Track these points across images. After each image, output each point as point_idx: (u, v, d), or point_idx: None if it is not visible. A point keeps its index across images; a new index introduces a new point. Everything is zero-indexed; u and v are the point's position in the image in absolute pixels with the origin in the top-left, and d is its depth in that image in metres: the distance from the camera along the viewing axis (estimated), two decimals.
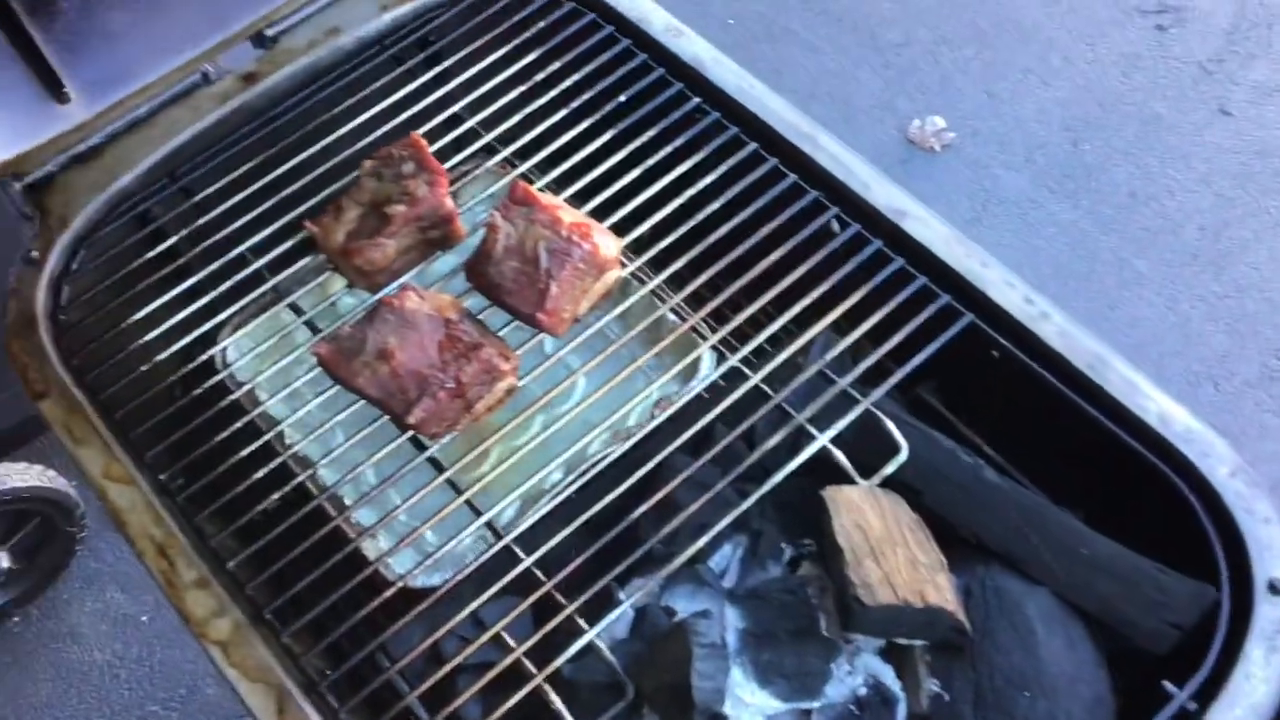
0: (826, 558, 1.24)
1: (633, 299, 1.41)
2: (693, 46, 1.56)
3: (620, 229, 1.42)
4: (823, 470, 1.29)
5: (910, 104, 3.22)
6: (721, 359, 1.38)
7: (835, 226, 1.43)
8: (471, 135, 1.55)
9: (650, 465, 1.28)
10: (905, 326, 1.32)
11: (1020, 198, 3.03)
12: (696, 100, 1.52)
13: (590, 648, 1.21)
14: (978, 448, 1.38)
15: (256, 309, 1.52)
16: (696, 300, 1.42)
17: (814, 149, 1.46)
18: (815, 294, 1.36)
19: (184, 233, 1.47)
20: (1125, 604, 1.21)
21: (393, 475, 1.31)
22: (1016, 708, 1.16)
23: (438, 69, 1.59)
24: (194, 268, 1.45)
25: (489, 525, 1.29)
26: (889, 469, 1.28)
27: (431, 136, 1.47)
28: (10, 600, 2.44)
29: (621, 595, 1.28)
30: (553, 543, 1.25)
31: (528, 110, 1.55)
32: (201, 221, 1.48)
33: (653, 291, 1.43)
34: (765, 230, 1.41)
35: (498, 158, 1.53)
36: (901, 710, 1.23)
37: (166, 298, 1.42)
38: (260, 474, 1.32)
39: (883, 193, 1.42)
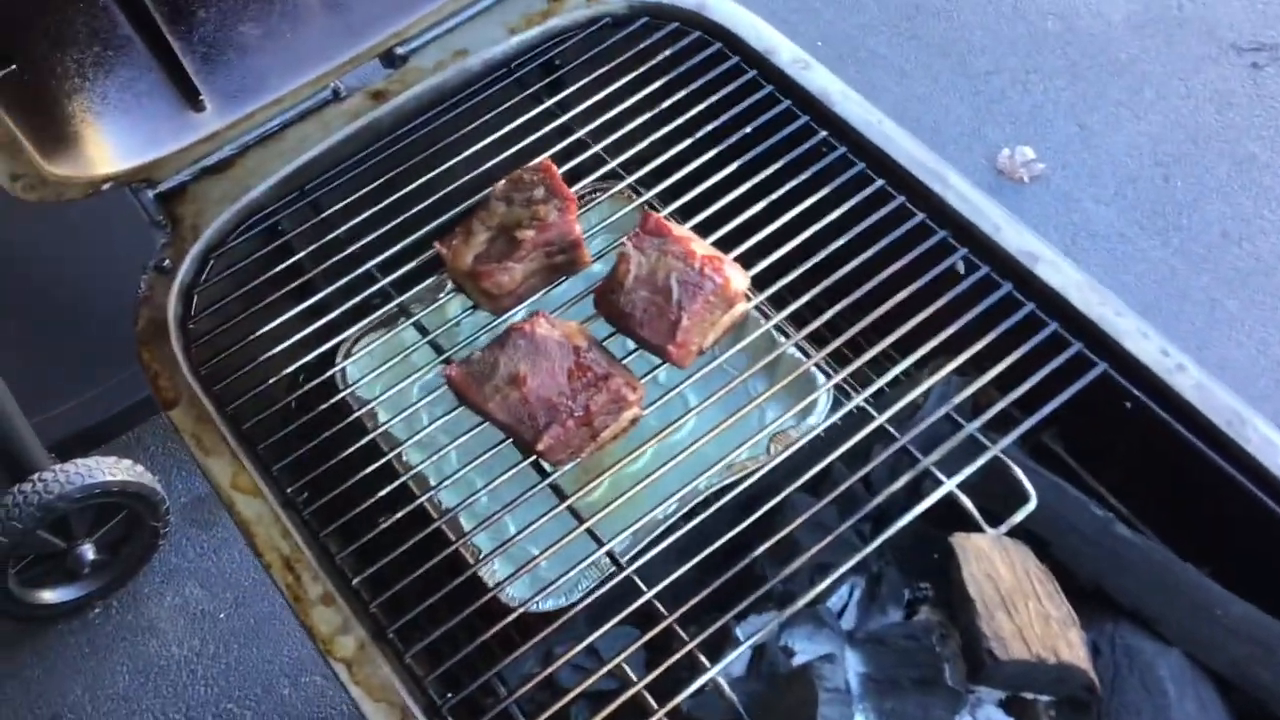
0: (953, 606, 1.23)
1: (754, 335, 1.41)
2: (820, 79, 1.55)
3: (743, 262, 1.42)
4: (943, 514, 1.28)
5: (999, 133, 3.19)
6: (841, 398, 1.38)
7: (961, 268, 1.42)
8: (595, 160, 1.55)
9: (772, 503, 1.27)
10: (1034, 373, 1.31)
11: (1110, 232, 2.99)
12: (823, 134, 1.52)
13: (710, 684, 1.21)
14: (1102, 497, 1.36)
15: (379, 326, 1.53)
16: (816, 338, 1.42)
17: (943, 187, 1.45)
18: (941, 337, 1.35)
19: (312, 248, 1.48)
20: (1259, 667, 1.18)
21: (514, 501, 1.31)
22: None
23: (562, 94, 1.59)
24: (320, 283, 1.46)
25: (610, 555, 1.29)
26: (1017, 518, 1.26)
27: (555, 160, 1.48)
28: (92, 591, 2.48)
29: (738, 632, 1.27)
30: (674, 576, 1.25)
31: (652, 138, 1.55)
32: (329, 237, 1.49)
33: (774, 327, 1.42)
34: (890, 270, 1.40)
35: (621, 184, 1.53)
36: None
37: (293, 312, 1.44)
38: (382, 493, 1.33)
39: (1014, 235, 1.40)
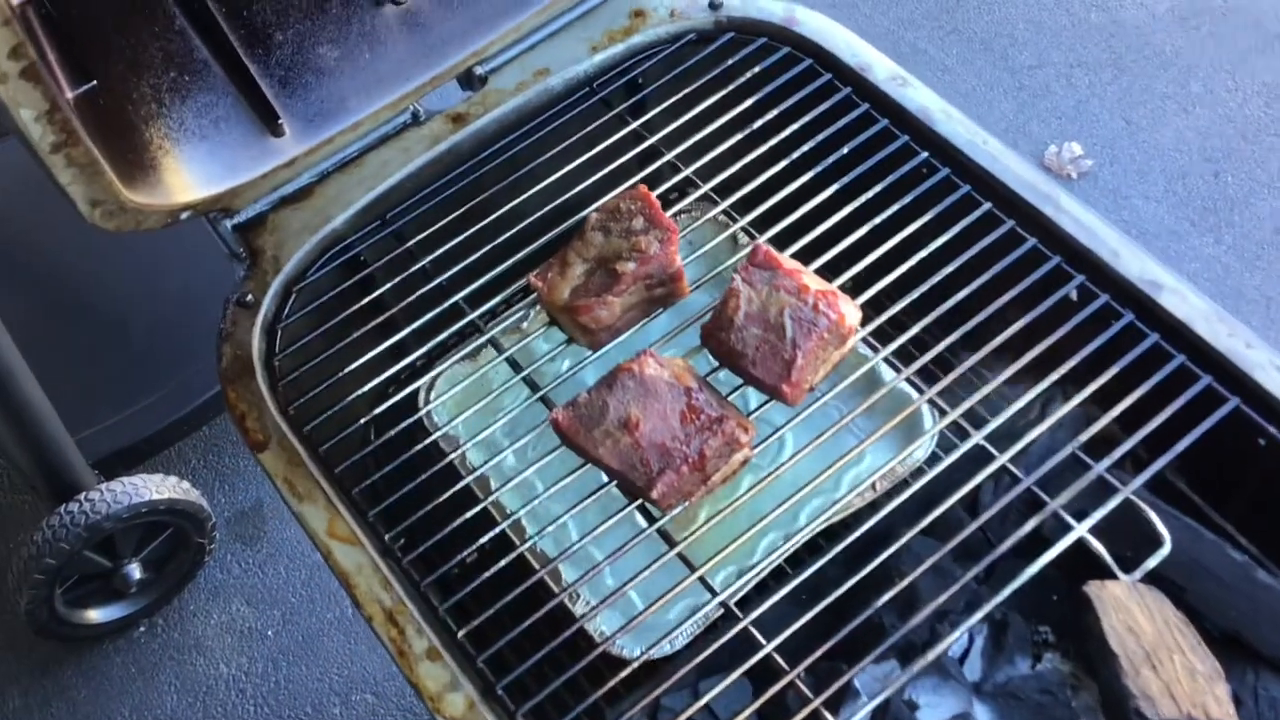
0: (1091, 658, 1.18)
1: (861, 369, 1.36)
2: (920, 97, 1.50)
3: (846, 292, 1.36)
4: (1068, 557, 1.24)
5: (1044, 128, 3.14)
6: (953, 436, 1.33)
7: (1074, 296, 1.36)
8: (686, 184, 1.50)
9: (893, 549, 1.23)
10: (1162, 409, 1.26)
11: (1161, 230, 2.94)
12: (924, 155, 1.46)
13: None
14: (1230, 536, 1.31)
15: (466, 358, 1.47)
16: (924, 372, 1.36)
17: (1055, 211, 1.39)
18: (1061, 371, 1.30)
19: (396, 280, 1.43)
20: None
21: (621, 548, 1.26)
22: None
23: (649, 114, 1.54)
24: (405, 317, 1.41)
25: (725, 605, 1.24)
26: (1151, 563, 1.21)
27: (645, 185, 1.42)
28: (138, 610, 2.44)
29: (858, 684, 1.23)
30: (795, 628, 1.20)
31: (744, 160, 1.49)
32: (414, 268, 1.44)
33: (883, 361, 1.37)
34: (1003, 300, 1.35)
35: (715, 210, 1.48)
36: None
37: (380, 349, 1.39)
38: (481, 541, 1.28)
39: (1134, 262, 1.35)
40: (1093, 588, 1.19)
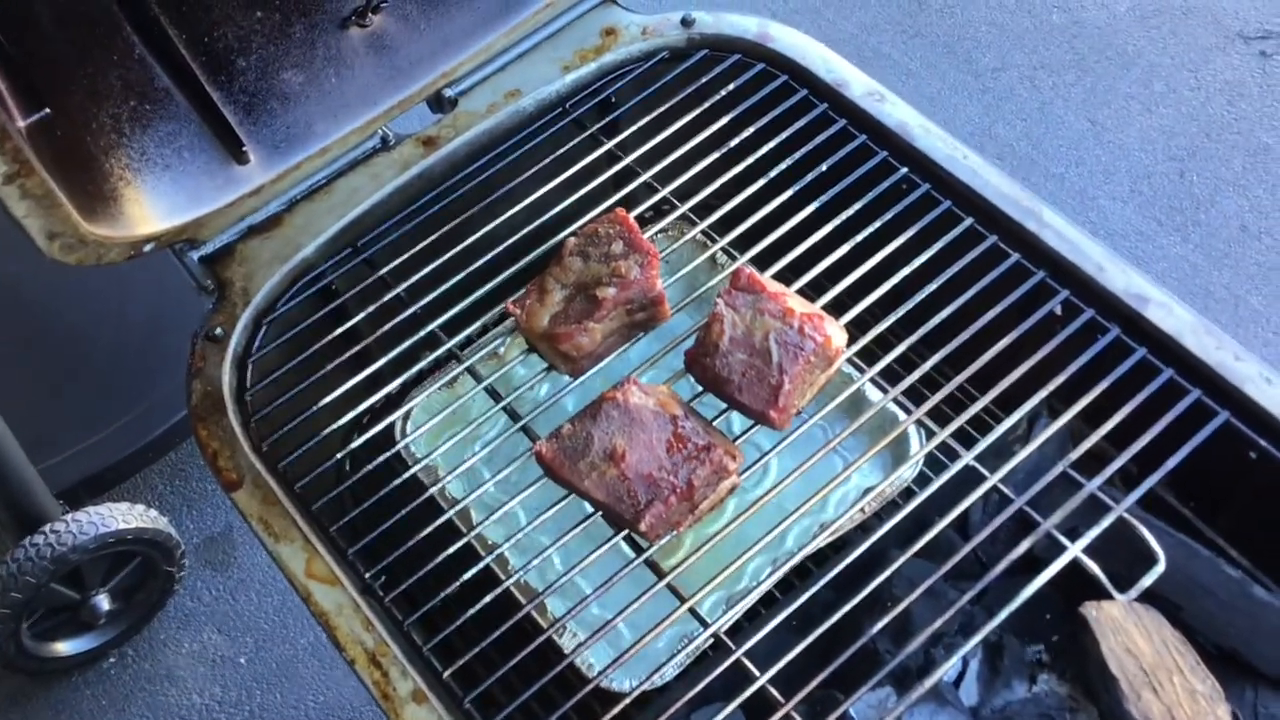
0: (1090, 681, 1.16)
1: (847, 391, 1.34)
2: (897, 112, 1.48)
3: (829, 311, 1.34)
4: (1061, 577, 1.22)
5: (1010, 130, 3.14)
6: (943, 457, 1.31)
7: (1058, 311, 1.35)
8: (663, 204, 1.47)
9: (887, 573, 1.21)
10: (1152, 425, 1.24)
11: (1128, 230, 2.95)
12: (904, 170, 1.44)
13: None
14: (1221, 550, 1.30)
15: (444, 387, 1.44)
16: (912, 391, 1.35)
17: (1039, 226, 1.38)
18: (1049, 388, 1.29)
19: (370, 309, 1.39)
20: None
21: (609, 581, 1.23)
22: None
23: (623, 134, 1.51)
24: (380, 347, 1.38)
25: (716, 636, 1.22)
26: (1146, 581, 1.19)
27: (621, 207, 1.40)
28: (107, 641, 2.39)
29: (853, 713, 1.21)
30: (785, 661, 1.17)
31: (722, 180, 1.47)
32: (387, 297, 1.40)
33: (869, 381, 1.35)
34: (988, 317, 1.33)
35: (694, 230, 1.45)
36: None
37: (355, 380, 1.35)
38: (466, 576, 1.25)
39: (1119, 275, 1.34)
40: (1090, 609, 1.17)
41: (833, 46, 1.56)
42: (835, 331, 1.27)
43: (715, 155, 1.48)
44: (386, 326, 1.38)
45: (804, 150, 1.47)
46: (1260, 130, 3.09)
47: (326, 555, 1.24)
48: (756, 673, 1.18)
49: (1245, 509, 1.32)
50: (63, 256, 1.31)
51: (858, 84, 1.51)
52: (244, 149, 1.40)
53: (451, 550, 1.26)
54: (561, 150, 1.50)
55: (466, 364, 1.38)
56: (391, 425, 1.37)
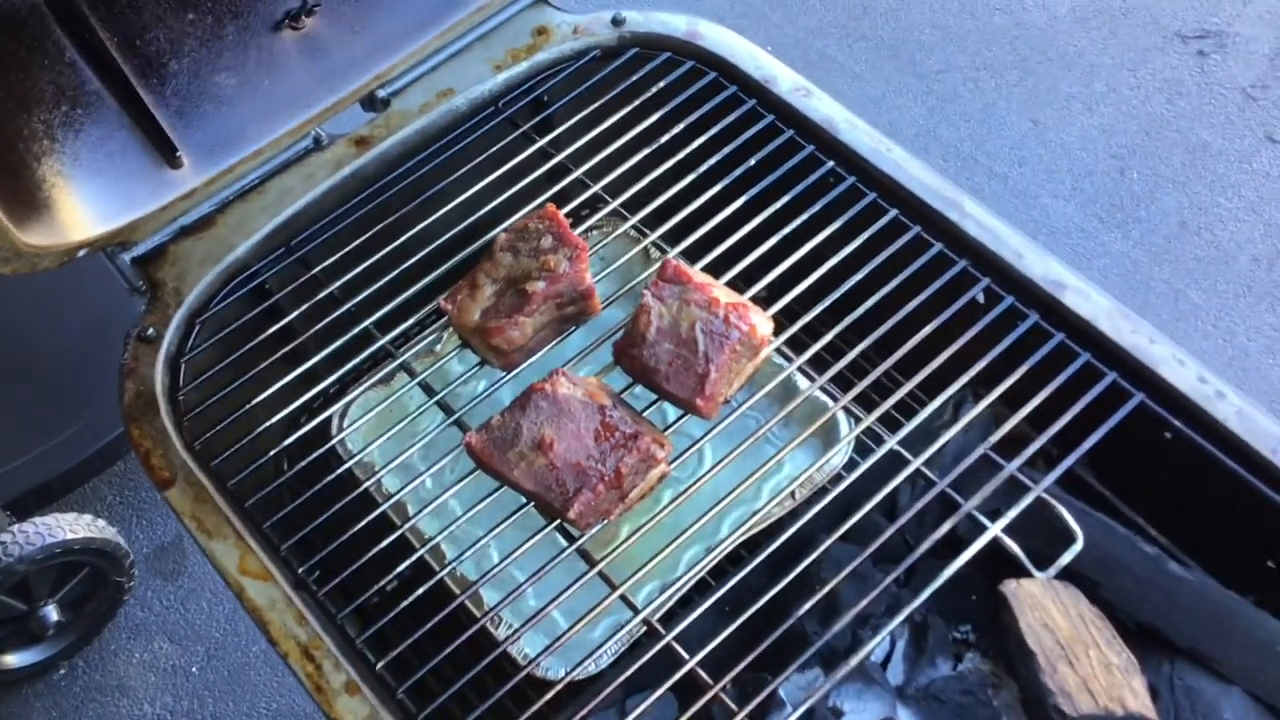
0: (1009, 656, 1.19)
1: (776, 379, 1.36)
2: (823, 107, 1.51)
3: (756, 302, 1.37)
4: (984, 556, 1.25)
5: (953, 132, 3.18)
6: (869, 442, 1.33)
7: (980, 298, 1.38)
8: (595, 201, 1.49)
9: (814, 556, 1.23)
10: (1069, 407, 1.27)
11: (1070, 228, 3.00)
12: (830, 164, 1.47)
13: None
14: (1140, 528, 1.33)
15: (379, 384, 1.45)
16: (839, 379, 1.37)
17: (960, 216, 1.41)
18: (971, 373, 1.31)
19: (304, 308, 1.40)
20: None
21: (541, 570, 1.24)
22: None
23: (556, 132, 1.53)
24: (314, 345, 1.39)
25: (647, 622, 1.24)
26: (1065, 559, 1.22)
27: (553, 203, 1.41)
28: (57, 652, 2.38)
29: (783, 694, 1.23)
30: (715, 644, 1.19)
31: (653, 175, 1.49)
32: (321, 295, 1.41)
33: (798, 370, 1.37)
34: (913, 305, 1.36)
35: (625, 225, 1.47)
36: None
37: (289, 378, 1.36)
38: (400, 568, 1.26)
39: (1038, 263, 1.37)
40: (1009, 586, 1.20)
41: (779, 50, 1.58)
42: (761, 321, 1.29)
43: (647, 151, 1.51)
44: (320, 325, 1.39)
45: (733, 145, 1.49)
46: (1199, 127, 3.14)
47: (260, 551, 1.25)
48: (686, 656, 1.20)
49: (1162, 488, 1.35)
50: None
51: (785, 80, 1.53)
52: (177, 153, 1.40)
53: (385, 544, 1.27)
54: (495, 148, 1.52)
55: (401, 360, 1.39)
56: (327, 422, 1.38)
